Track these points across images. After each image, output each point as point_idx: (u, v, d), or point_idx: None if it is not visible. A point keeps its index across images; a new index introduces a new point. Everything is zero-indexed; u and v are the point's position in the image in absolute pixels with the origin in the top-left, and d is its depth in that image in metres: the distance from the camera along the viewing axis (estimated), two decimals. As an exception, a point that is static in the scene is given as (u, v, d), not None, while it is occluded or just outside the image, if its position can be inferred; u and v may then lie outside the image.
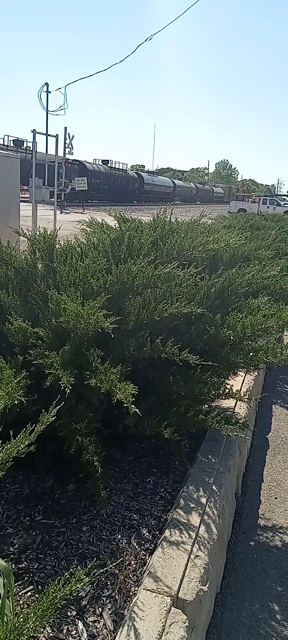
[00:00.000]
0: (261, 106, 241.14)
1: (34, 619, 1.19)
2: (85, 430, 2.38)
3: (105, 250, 3.01)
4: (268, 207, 37.76)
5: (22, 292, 2.78)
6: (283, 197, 49.52)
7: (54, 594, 1.32)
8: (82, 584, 1.37)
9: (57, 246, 3.01)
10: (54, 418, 1.86)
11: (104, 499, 2.42)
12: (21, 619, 1.18)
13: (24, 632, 1.16)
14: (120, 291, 2.68)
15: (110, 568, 2.11)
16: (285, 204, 42.45)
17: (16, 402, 2.10)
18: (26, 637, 1.16)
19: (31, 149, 15.97)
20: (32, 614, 1.22)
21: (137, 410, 2.10)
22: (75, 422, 2.38)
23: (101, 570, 1.99)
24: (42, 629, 1.73)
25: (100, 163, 43.14)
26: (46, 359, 2.35)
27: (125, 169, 48.31)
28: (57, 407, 1.89)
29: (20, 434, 1.71)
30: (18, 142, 34.84)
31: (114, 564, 2.13)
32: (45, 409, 1.89)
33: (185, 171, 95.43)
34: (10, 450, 1.64)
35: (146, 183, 51.55)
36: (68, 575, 1.42)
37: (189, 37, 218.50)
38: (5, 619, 1.43)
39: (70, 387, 2.16)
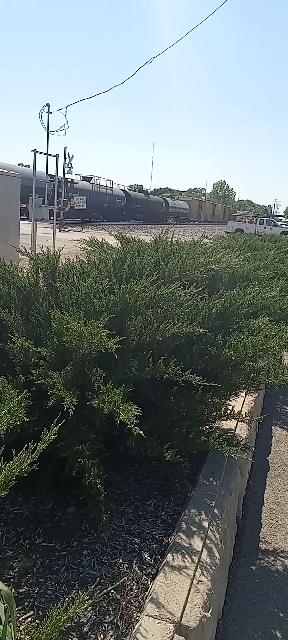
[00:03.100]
0: (258, 128, 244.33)
1: None
2: (87, 452, 2.36)
3: (107, 270, 3.01)
4: (265, 228, 38.00)
5: (24, 311, 2.78)
6: (279, 217, 49.93)
7: (57, 617, 1.30)
8: (84, 606, 1.35)
9: (59, 265, 3.01)
10: (55, 436, 1.85)
11: (106, 522, 2.39)
12: None
13: None
14: (122, 311, 2.68)
15: (112, 593, 2.08)
16: (281, 224, 42.79)
17: (18, 422, 2.09)
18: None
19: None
20: (37, 639, 1.20)
21: (141, 432, 2.09)
22: (77, 444, 2.36)
23: (103, 591, 1.95)
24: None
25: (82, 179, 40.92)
26: (49, 379, 2.34)
27: (109, 186, 46.26)
28: (59, 425, 1.87)
29: (21, 452, 1.70)
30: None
31: (115, 587, 2.09)
32: (47, 428, 1.87)
33: (183, 191, 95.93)
34: (13, 468, 1.62)
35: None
36: (70, 600, 1.39)
37: (188, 59, 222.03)
38: None
39: (74, 408, 2.14)
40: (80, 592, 2.04)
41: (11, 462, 1.54)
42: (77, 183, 36.24)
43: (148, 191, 67.13)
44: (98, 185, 43.73)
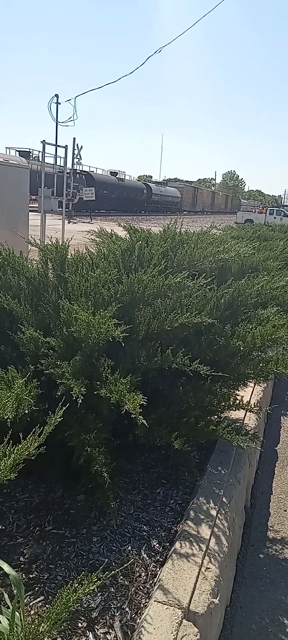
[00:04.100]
0: (269, 117, 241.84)
1: (48, 623, 1.19)
2: (94, 441, 2.38)
3: (115, 261, 3.02)
4: (275, 218, 37.77)
5: (34, 301, 2.80)
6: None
7: (67, 597, 1.32)
8: (94, 586, 1.37)
9: (68, 256, 3.02)
10: (64, 425, 1.87)
11: (114, 510, 2.41)
12: (36, 623, 1.18)
13: (39, 636, 1.16)
14: (130, 301, 2.69)
15: (121, 580, 2.11)
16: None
17: (27, 410, 2.11)
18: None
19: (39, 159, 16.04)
20: (46, 618, 1.23)
21: (144, 421, 2.10)
22: (85, 433, 2.38)
23: (112, 572, 1.98)
24: (55, 633, 1.73)
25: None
26: (57, 369, 2.36)
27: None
28: (64, 408, 1.90)
29: (29, 436, 1.72)
30: (24, 154, 33.63)
31: (123, 572, 2.12)
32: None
33: (192, 181, 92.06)
34: (22, 451, 1.64)
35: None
36: (79, 580, 1.42)
37: (197, 48, 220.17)
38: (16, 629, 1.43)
39: (82, 397, 2.17)
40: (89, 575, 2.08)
41: (19, 446, 1.57)
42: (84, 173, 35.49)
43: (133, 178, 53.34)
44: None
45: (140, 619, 1.90)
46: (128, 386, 2.32)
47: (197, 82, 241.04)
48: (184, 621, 1.84)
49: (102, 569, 2.12)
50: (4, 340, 2.70)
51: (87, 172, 35.88)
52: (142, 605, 1.99)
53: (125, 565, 2.14)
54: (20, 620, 1.63)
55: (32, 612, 1.89)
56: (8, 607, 1.70)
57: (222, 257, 3.11)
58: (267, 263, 5.10)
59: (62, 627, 1.24)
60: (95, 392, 2.36)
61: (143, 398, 2.21)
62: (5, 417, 1.83)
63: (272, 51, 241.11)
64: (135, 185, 47.36)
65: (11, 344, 2.65)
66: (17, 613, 1.61)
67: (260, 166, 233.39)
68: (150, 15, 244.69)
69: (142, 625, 1.78)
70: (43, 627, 1.18)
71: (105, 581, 1.37)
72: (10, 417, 1.87)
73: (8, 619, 1.58)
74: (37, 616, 1.22)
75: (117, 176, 43.79)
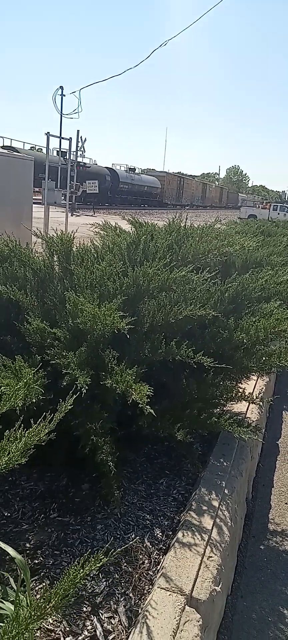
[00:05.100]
0: (273, 114, 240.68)
1: (56, 598, 1.23)
2: (100, 430, 2.42)
3: (121, 254, 3.05)
4: (278, 214, 37.68)
5: (40, 293, 2.83)
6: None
7: (74, 574, 1.36)
8: (100, 564, 1.41)
9: (73, 249, 3.05)
10: (71, 412, 1.90)
11: (118, 498, 2.45)
12: (43, 600, 1.22)
13: (48, 610, 1.20)
14: (136, 294, 2.72)
15: (125, 566, 2.15)
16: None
17: (34, 399, 2.15)
18: (50, 615, 1.20)
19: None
20: (54, 594, 1.26)
21: (152, 411, 2.13)
22: (91, 422, 2.42)
23: (117, 550, 2.02)
24: (60, 617, 1.78)
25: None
26: (63, 359, 2.39)
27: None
28: (74, 397, 1.93)
29: (39, 421, 1.76)
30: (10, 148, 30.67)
31: (127, 558, 2.16)
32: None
33: (196, 176, 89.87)
34: (32, 436, 1.68)
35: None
36: (85, 559, 1.45)
37: (202, 43, 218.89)
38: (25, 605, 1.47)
39: (87, 387, 2.20)
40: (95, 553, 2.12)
41: (30, 430, 1.61)
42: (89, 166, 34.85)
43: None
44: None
45: (143, 604, 1.94)
46: (134, 377, 2.35)
47: (201, 77, 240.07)
48: (187, 607, 1.87)
49: (107, 556, 2.18)
50: (11, 330, 2.73)
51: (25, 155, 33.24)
52: (145, 592, 2.03)
53: (126, 546, 2.18)
54: (27, 602, 1.67)
55: (38, 595, 1.93)
56: (14, 591, 1.74)
57: (227, 251, 3.14)
58: (270, 258, 5.13)
59: (70, 603, 1.28)
60: (101, 383, 2.39)
61: (149, 389, 2.24)
62: (15, 406, 1.87)
63: (277, 46, 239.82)
64: (96, 171, 36.01)
65: (18, 334, 2.69)
66: (22, 596, 1.65)
67: (264, 162, 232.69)
68: (156, 9, 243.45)
69: (146, 610, 1.82)
70: (51, 603, 1.22)
71: (109, 560, 1.40)
72: (19, 405, 1.90)
73: (13, 601, 1.63)
74: (44, 593, 1.25)
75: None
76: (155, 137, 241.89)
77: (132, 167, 44.75)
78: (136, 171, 44.98)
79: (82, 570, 1.29)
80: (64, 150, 19.92)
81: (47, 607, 1.20)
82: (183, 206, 49.52)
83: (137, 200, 43.78)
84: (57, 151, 20.31)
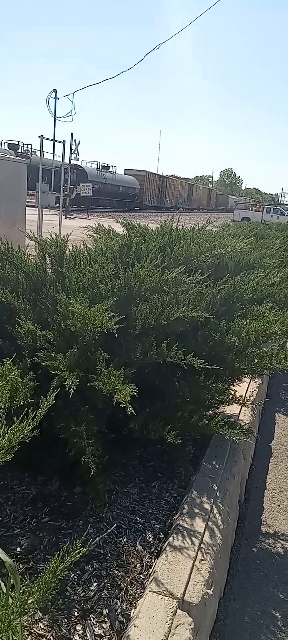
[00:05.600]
0: (266, 116, 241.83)
1: (38, 592, 1.23)
2: (85, 433, 2.39)
3: (113, 256, 3.05)
4: (272, 216, 37.81)
5: (32, 296, 2.82)
6: (287, 206, 49.51)
7: (55, 566, 1.37)
8: (80, 554, 1.42)
9: (66, 252, 3.05)
10: (54, 402, 1.89)
11: (104, 502, 2.43)
12: (26, 594, 1.22)
13: (30, 605, 1.20)
14: (127, 296, 2.72)
15: (116, 570, 2.14)
16: (288, 213, 42.42)
17: (23, 402, 2.13)
18: (32, 610, 1.20)
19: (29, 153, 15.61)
20: (36, 588, 1.27)
21: (133, 410, 2.11)
22: (76, 425, 2.40)
23: (96, 539, 2.01)
24: (46, 602, 1.77)
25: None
26: (53, 361, 2.38)
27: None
28: (55, 392, 1.93)
29: (21, 417, 1.74)
30: (13, 146, 30.29)
31: (119, 564, 2.15)
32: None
33: (190, 179, 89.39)
34: (16, 432, 1.67)
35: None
36: (65, 551, 1.45)
37: (195, 46, 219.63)
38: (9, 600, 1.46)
39: (75, 389, 2.19)
40: (86, 568, 2.11)
41: (13, 426, 1.60)
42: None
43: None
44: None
45: (135, 608, 1.94)
46: (121, 378, 2.34)
47: (195, 80, 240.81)
48: (179, 611, 1.87)
49: (98, 560, 2.17)
50: (2, 334, 2.72)
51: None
52: (137, 596, 2.03)
53: (109, 530, 2.16)
54: (12, 602, 1.66)
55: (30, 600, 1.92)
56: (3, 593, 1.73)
57: (219, 252, 3.14)
58: (263, 261, 5.14)
59: (52, 595, 1.30)
60: (88, 384, 2.38)
61: (136, 391, 2.22)
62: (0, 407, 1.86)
63: (272, 50, 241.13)
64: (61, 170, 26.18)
65: (9, 337, 2.67)
66: (11, 600, 1.64)
67: (258, 165, 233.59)
68: (150, 12, 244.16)
69: (137, 615, 1.82)
70: (33, 597, 1.23)
71: (89, 550, 1.41)
72: (4, 407, 1.90)
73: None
74: (27, 588, 1.26)
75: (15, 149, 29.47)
76: (150, 139, 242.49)
77: (105, 165, 40.19)
78: (110, 169, 40.59)
79: (62, 562, 1.30)
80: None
81: (29, 600, 1.20)
82: (166, 208, 46.81)
83: (112, 202, 39.96)
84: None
